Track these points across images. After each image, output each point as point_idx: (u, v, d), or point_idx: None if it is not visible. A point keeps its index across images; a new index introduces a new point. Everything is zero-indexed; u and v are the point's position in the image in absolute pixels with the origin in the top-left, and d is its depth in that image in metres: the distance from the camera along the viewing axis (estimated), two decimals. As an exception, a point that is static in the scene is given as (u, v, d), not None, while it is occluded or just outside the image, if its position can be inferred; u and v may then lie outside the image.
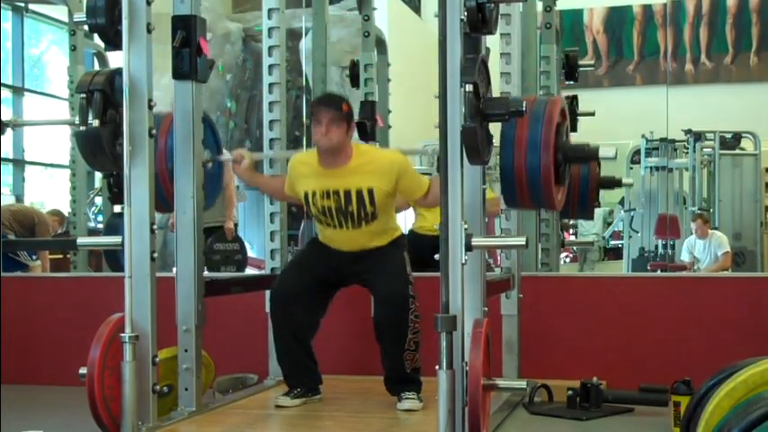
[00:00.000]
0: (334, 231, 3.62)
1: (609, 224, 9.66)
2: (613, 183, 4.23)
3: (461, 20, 2.73)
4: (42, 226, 6.62)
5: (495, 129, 3.00)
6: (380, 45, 6.41)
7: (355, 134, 3.76)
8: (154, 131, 3.22)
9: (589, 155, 3.42)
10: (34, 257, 6.55)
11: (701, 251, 7.76)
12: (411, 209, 5.88)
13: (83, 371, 3.09)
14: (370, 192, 3.53)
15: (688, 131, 8.33)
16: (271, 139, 4.17)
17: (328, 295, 3.73)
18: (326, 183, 3.55)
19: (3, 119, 5.05)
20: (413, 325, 3.47)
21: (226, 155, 3.91)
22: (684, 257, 7.88)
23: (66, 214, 6.75)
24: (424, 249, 4.38)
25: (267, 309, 4.06)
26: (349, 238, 3.61)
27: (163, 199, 3.45)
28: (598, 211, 9.68)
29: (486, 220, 3.21)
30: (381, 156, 3.64)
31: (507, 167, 3.24)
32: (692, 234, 7.87)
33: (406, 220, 5.99)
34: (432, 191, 3.57)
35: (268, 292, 4.01)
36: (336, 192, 3.54)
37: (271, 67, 4.18)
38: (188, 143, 3.45)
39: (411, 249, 4.10)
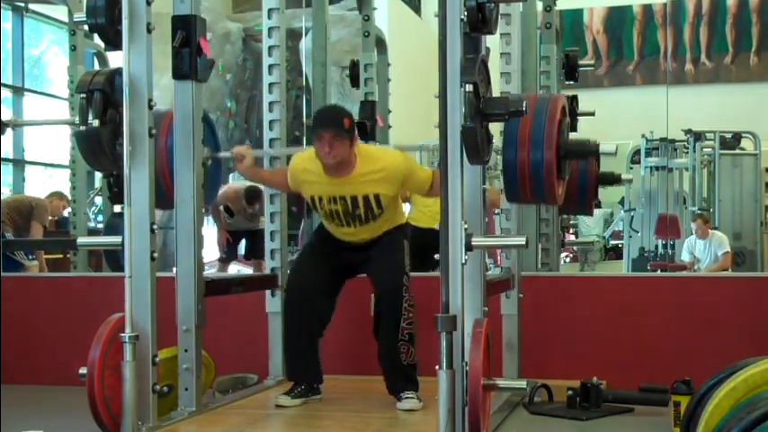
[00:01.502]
0: (341, 229, 3.69)
1: (609, 224, 9.68)
2: (613, 179, 4.22)
3: (461, 20, 2.73)
4: (39, 210, 6.57)
5: (495, 128, 3.01)
6: (380, 45, 6.42)
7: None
8: (154, 131, 3.22)
9: (590, 151, 3.46)
10: (31, 257, 6.53)
11: (702, 251, 7.76)
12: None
13: (83, 371, 3.09)
14: (377, 197, 3.58)
15: (688, 131, 8.33)
16: (271, 139, 4.16)
17: (339, 287, 3.76)
18: (333, 190, 3.60)
19: (3, 119, 5.05)
20: (406, 314, 3.49)
21: (225, 153, 3.91)
22: (685, 257, 7.88)
23: (67, 214, 6.76)
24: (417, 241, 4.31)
25: (268, 308, 4.07)
26: (356, 232, 3.68)
27: (162, 196, 3.45)
28: (598, 212, 9.70)
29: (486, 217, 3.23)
30: (386, 162, 3.62)
31: (510, 163, 3.31)
32: (692, 234, 7.87)
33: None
34: (435, 183, 3.61)
35: (268, 292, 4.02)
36: (343, 197, 3.59)
37: (271, 66, 4.17)
38: (188, 143, 3.45)
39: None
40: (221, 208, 6.99)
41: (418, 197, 5.15)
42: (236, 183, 7.02)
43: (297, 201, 5.43)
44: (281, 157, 4.11)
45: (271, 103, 4.17)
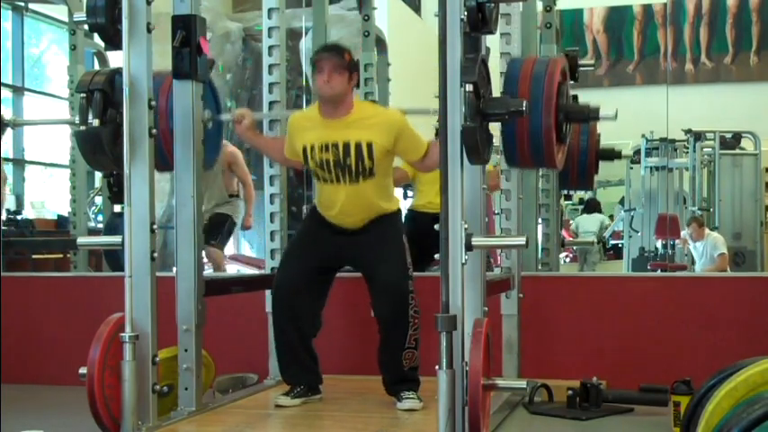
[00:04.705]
0: (332, 189, 3.58)
1: (606, 227, 9.70)
2: (613, 155, 4.16)
3: (461, 19, 2.73)
4: None
5: (495, 129, 3.01)
6: (380, 45, 6.41)
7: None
8: (154, 131, 3.22)
9: (590, 115, 3.42)
10: None
11: (698, 253, 7.77)
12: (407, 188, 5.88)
13: (83, 371, 3.09)
14: (369, 146, 3.51)
15: (688, 131, 8.33)
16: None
17: (327, 281, 3.71)
18: (326, 135, 3.53)
19: (3, 119, 5.04)
20: (413, 321, 3.47)
21: (226, 115, 3.89)
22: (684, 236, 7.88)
23: (67, 214, 6.74)
24: (424, 227, 4.38)
25: (268, 308, 4.07)
26: (347, 196, 3.56)
27: (163, 158, 3.42)
28: (597, 217, 9.70)
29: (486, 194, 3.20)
30: (382, 112, 3.66)
31: (508, 126, 3.24)
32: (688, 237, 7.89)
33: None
34: (430, 153, 3.54)
35: (268, 292, 4.01)
36: (335, 144, 3.52)
37: (271, 66, 4.18)
38: (188, 143, 3.45)
39: (410, 228, 4.02)
40: None
41: (424, 179, 5.08)
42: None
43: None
44: (282, 120, 4.07)
45: (271, 103, 4.17)
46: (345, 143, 3.51)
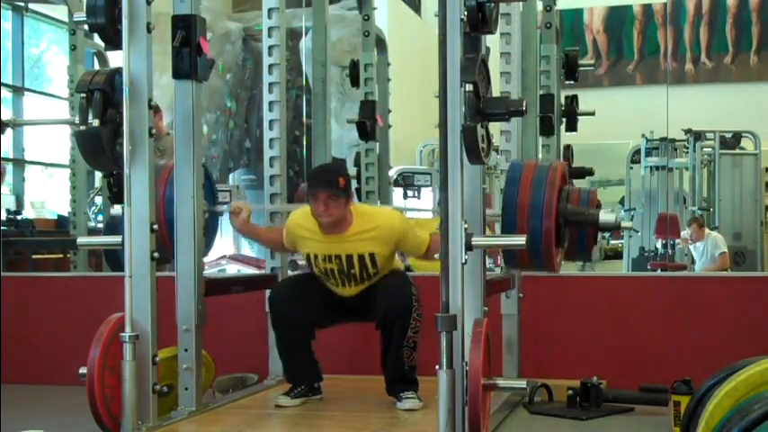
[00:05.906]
0: (337, 288, 3.67)
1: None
2: (613, 227, 4.26)
3: (461, 19, 2.73)
4: None
5: (495, 131, 3.01)
6: (380, 45, 6.42)
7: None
8: (154, 131, 3.23)
9: (589, 220, 3.45)
10: None
11: (698, 253, 7.77)
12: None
13: (83, 371, 3.09)
14: (372, 256, 3.57)
15: (688, 131, 8.33)
16: (271, 139, 4.16)
17: (329, 318, 3.74)
18: (328, 248, 3.59)
19: (3, 119, 5.04)
20: (414, 323, 3.49)
21: (223, 206, 3.91)
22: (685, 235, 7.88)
23: (67, 214, 6.74)
24: None
25: (267, 308, 4.07)
26: (353, 291, 3.66)
27: (160, 248, 3.33)
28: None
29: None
30: (382, 222, 3.61)
31: (508, 230, 3.28)
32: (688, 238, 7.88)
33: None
34: (432, 247, 3.60)
35: (268, 292, 4.01)
36: (338, 256, 3.58)
37: (271, 66, 4.18)
38: (188, 142, 3.45)
39: None
40: None
41: None
42: None
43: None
44: (281, 212, 4.10)
45: (271, 103, 4.18)
46: (348, 255, 3.57)
